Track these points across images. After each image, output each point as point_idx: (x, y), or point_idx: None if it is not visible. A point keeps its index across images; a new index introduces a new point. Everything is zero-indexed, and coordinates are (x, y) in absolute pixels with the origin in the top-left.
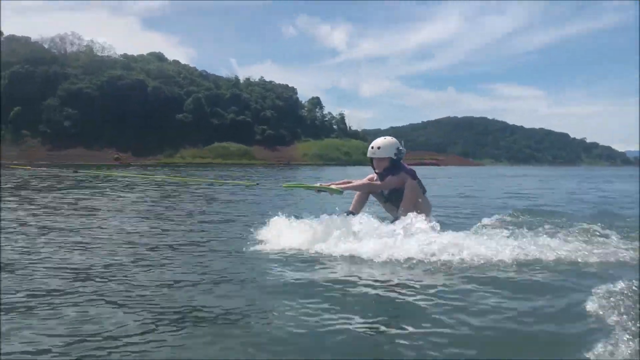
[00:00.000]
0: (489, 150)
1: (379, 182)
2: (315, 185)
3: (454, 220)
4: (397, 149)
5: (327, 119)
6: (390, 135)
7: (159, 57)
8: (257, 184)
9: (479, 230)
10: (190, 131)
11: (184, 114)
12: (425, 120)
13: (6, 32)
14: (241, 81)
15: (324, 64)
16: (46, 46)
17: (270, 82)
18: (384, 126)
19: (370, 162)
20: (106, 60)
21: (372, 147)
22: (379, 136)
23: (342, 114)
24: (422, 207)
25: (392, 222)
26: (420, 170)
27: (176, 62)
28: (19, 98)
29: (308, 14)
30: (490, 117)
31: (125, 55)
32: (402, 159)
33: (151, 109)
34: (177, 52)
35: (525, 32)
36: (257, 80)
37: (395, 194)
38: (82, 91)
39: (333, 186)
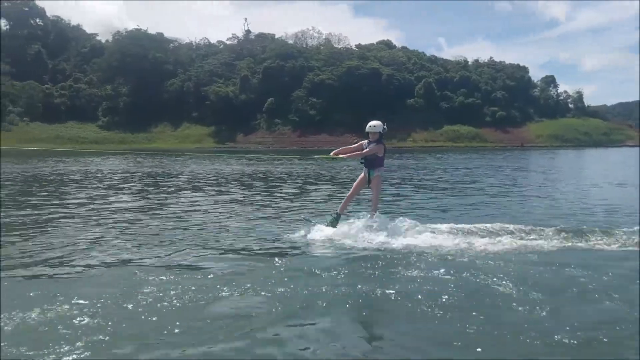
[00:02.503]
0: None
1: (366, 150)
2: (330, 156)
3: None
4: (383, 127)
5: (561, 97)
6: (619, 112)
7: (388, 45)
8: (299, 157)
9: None
10: (421, 115)
11: (414, 98)
12: None
13: (254, 30)
14: (469, 63)
15: (539, 38)
16: (291, 42)
17: (501, 62)
18: (610, 102)
19: (367, 134)
20: (343, 52)
21: (370, 126)
22: (607, 114)
23: (580, 92)
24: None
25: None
26: None
27: (404, 49)
28: (272, 90)
29: None
30: None
31: (359, 46)
32: (384, 133)
33: (385, 96)
34: (386, 35)
35: None
36: (486, 61)
37: (372, 156)
38: (324, 82)
39: (342, 155)
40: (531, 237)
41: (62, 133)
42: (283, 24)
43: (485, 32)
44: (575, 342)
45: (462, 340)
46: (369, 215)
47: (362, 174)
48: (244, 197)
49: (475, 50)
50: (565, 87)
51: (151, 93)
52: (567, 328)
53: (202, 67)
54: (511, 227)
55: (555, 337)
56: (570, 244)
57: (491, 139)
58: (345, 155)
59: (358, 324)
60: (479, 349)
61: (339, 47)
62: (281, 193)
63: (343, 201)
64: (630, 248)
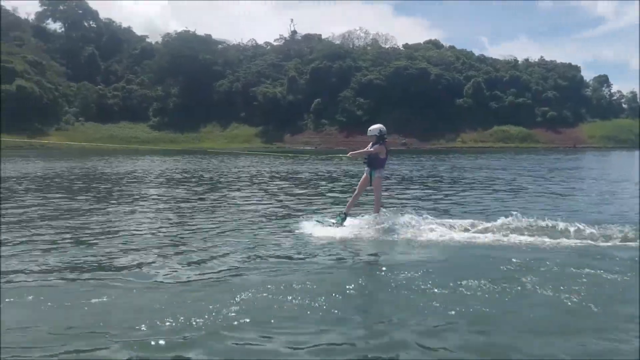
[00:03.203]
0: None
1: (371, 150)
2: (344, 155)
3: None
4: (380, 130)
5: (614, 97)
6: None
7: (436, 45)
8: (315, 150)
9: None
10: (470, 115)
11: (463, 98)
12: None
13: (301, 31)
14: (519, 62)
15: (584, 36)
16: (338, 42)
17: (552, 61)
18: None
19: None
20: (391, 52)
21: (368, 130)
22: None
23: (635, 92)
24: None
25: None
26: None
27: (452, 48)
28: (319, 91)
29: None
30: None
31: (406, 45)
32: (384, 135)
33: (433, 96)
34: (428, 35)
35: None
36: (536, 60)
37: (374, 156)
38: (372, 82)
39: (349, 154)
40: None
41: (116, 133)
42: (326, 24)
43: (527, 31)
44: None
45: None
46: (373, 215)
47: (365, 174)
48: (249, 197)
49: (518, 48)
50: (615, 86)
51: (201, 94)
52: None
53: (250, 68)
54: None
55: None
56: None
57: (542, 140)
58: (350, 154)
59: (366, 318)
60: None
61: (386, 47)
62: (288, 192)
63: (349, 202)
64: None
